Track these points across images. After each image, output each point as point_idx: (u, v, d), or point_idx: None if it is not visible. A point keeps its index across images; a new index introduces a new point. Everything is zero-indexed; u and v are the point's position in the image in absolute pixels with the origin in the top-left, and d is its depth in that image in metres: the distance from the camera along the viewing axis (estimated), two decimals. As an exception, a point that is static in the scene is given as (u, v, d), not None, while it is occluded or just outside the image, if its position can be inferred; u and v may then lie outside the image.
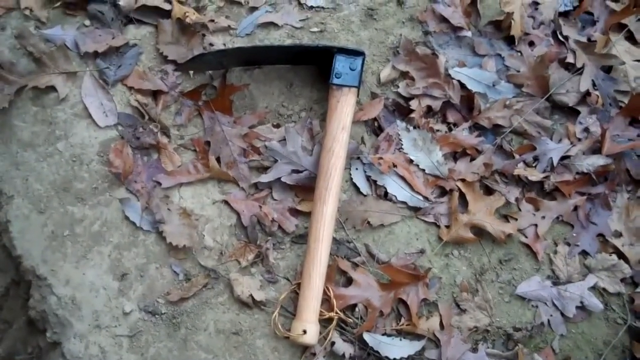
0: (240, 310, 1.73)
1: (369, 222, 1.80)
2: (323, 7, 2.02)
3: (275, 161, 1.84)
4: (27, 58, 1.91)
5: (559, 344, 1.73)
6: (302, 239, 1.80)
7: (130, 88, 1.91)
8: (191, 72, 1.93)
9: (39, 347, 1.84)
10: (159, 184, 1.82)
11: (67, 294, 1.72)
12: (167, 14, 1.96)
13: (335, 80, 1.74)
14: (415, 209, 1.82)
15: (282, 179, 1.81)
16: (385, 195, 1.83)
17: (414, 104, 1.90)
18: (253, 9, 2.02)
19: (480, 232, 1.79)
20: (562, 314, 1.74)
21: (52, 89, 1.89)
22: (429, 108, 1.90)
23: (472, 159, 1.85)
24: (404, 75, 1.95)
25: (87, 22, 1.98)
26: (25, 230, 1.78)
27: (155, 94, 1.92)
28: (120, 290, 1.73)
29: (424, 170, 1.84)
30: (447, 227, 1.80)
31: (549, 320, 1.74)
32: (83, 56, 1.92)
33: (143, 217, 1.80)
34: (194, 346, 1.70)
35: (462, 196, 1.81)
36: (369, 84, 1.93)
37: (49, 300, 1.72)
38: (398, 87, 1.93)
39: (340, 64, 1.76)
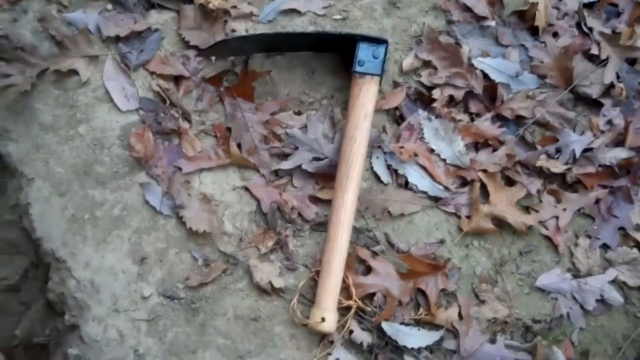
0: (259, 296, 1.73)
1: (389, 211, 1.79)
2: (346, -5, 1.98)
3: (296, 148, 1.83)
4: (49, 41, 1.89)
5: (578, 336, 1.73)
6: (321, 226, 1.79)
7: (152, 73, 1.90)
8: (213, 57, 1.92)
9: (57, 329, 1.85)
10: (180, 169, 1.81)
11: (86, 277, 1.72)
12: (189, 0, 1.94)
13: (358, 69, 1.73)
14: (436, 199, 1.82)
15: (303, 167, 1.81)
16: (406, 185, 1.82)
17: (436, 93, 1.89)
18: (275, -5, 1.99)
19: (500, 223, 1.79)
20: (582, 307, 1.74)
21: (74, 72, 1.88)
22: (451, 98, 1.89)
23: (494, 150, 1.84)
24: (427, 64, 1.93)
25: (110, 7, 1.97)
26: (46, 212, 1.78)
27: (177, 79, 1.91)
28: (140, 274, 1.74)
29: (445, 160, 1.83)
30: (468, 217, 1.79)
31: (568, 313, 1.73)
32: (105, 40, 1.92)
33: (163, 201, 1.80)
34: (212, 331, 1.70)
35: (483, 187, 1.81)
36: (391, 73, 1.92)
37: (68, 283, 1.72)
38: (420, 76, 1.92)
39: (363, 52, 1.74)
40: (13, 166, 1.82)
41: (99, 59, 1.90)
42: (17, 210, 1.89)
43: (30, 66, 1.84)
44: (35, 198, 1.79)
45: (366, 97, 1.73)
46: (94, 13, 1.94)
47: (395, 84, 1.91)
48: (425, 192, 1.81)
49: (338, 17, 1.97)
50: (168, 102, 1.87)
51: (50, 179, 1.80)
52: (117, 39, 1.91)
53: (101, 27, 1.91)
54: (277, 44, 1.90)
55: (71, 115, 1.85)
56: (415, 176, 1.81)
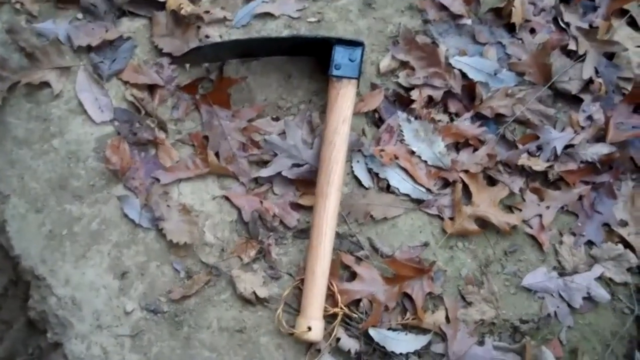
0: (244, 307, 1.71)
1: (371, 216, 1.77)
2: (320, -3, 1.95)
3: (275, 155, 1.81)
4: (19, 53, 1.86)
5: (566, 335, 1.72)
6: (304, 233, 1.76)
7: (126, 82, 1.87)
8: (187, 65, 1.89)
9: (40, 348, 1.82)
10: (158, 180, 1.78)
11: (67, 294, 1.69)
12: (161, 6, 1.92)
13: (335, 72, 1.71)
14: (418, 202, 1.80)
15: (283, 173, 1.78)
16: (388, 188, 1.80)
17: (414, 94, 1.86)
18: (249, -1, 1.95)
19: (484, 223, 1.77)
20: (569, 305, 1.73)
21: (46, 84, 1.85)
22: (430, 98, 1.87)
23: (475, 150, 1.82)
24: (404, 65, 1.91)
25: (80, 16, 1.93)
26: (23, 229, 1.75)
27: (151, 88, 1.88)
28: (121, 289, 1.71)
29: (426, 161, 1.81)
30: (451, 219, 1.78)
31: (555, 312, 1.72)
32: (76, 50, 1.88)
33: (142, 214, 1.76)
34: (197, 344, 1.67)
35: (465, 187, 1.79)
36: (368, 75, 1.90)
37: (48, 300, 1.69)
38: (398, 77, 1.90)
39: (340, 55, 1.72)
40: (-14, 184, 1.76)
41: (71, 69, 1.86)
42: (-7, 227, 1.83)
43: (1, 80, 1.80)
44: (12, 215, 1.76)
45: (344, 100, 1.71)
46: (64, 23, 1.91)
47: (373, 86, 1.88)
48: (407, 195, 1.79)
49: (313, 19, 1.95)
50: (143, 111, 1.84)
51: (26, 195, 1.77)
52: (89, 48, 1.88)
53: (72, 37, 1.88)
54: (252, 49, 1.87)
55: (45, 129, 1.82)
56: (397, 179, 1.79)
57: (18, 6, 1.92)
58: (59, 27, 1.90)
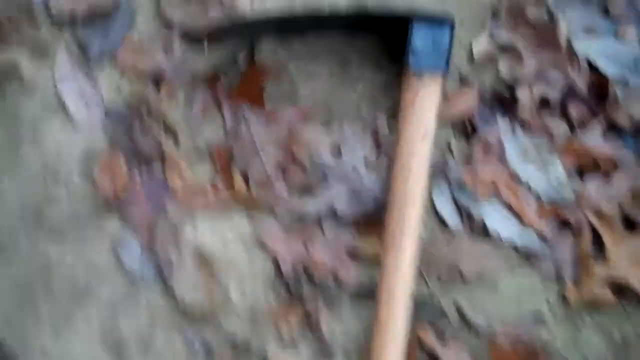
0: (282, 401, 1.31)
1: (460, 272, 1.34)
2: (392, -48, 1.45)
3: (326, 180, 1.37)
4: None
5: None
6: (366, 293, 1.34)
7: (122, 71, 1.44)
8: (205, 44, 1.44)
9: None
10: (165, 211, 1.39)
11: (42, 375, 1.31)
12: (170, -41, 1.43)
13: (413, 63, 1.22)
14: (527, 252, 1.34)
15: (336, 207, 1.36)
16: (484, 231, 1.35)
17: (521, 93, 1.39)
18: (290, -53, 1.46)
19: (623, 290, 1.32)
20: None
21: (13, 69, 1.43)
22: (544, 99, 1.39)
23: (608, 177, 1.36)
24: (507, 50, 1.41)
25: None
26: None
27: (157, 77, 1.44)
28: (116, 368, 1.32)
29: (537, 192, 1.36)
30: (575, 281, 1.33)
31: None
32: (55, 20, 1.45)
33: (143, 260, 1.38)
34: None
35: (595, 234, 1.34)
36: (456, 64, 1.40)
37: (18, 383, 1.32)
38: (499, 68, 1.41)
39: (420, 38, 1.22)
40: None
41: (48, 48, 1.44)
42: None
43: None
44: None
45: (425, 105, 1.24)
46: None
47: (463, 81, 1.40)
48: (511, 242, 1.34)
49: (380, -18, 1.42)
50: (145, 110, 1.42)
51: None
52: (73, 18, 1.44)
53: (50, 2, 1.44)
54: (295, 26, 1.41)
55: (11, 135, 1.42)
56: (497, 218, 1.35)
57: (-27, -45, 1.47)
58: (32, -13, 1.45)
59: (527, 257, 1.35)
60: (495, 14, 1.42)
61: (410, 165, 1.24)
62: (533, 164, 1.36)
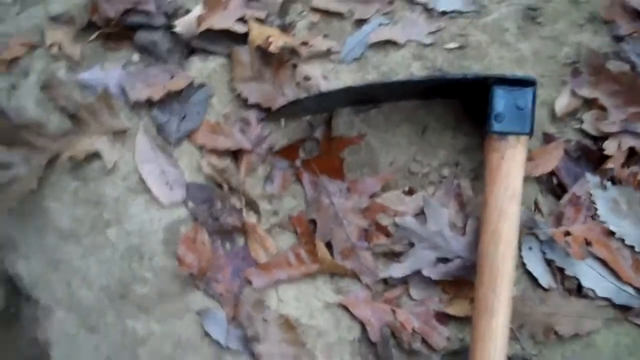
0: None
1: (555, 331, 1.26)
2: (461, 12, 1.45)
3: (412, 245, 1.32)
4: (60, 114, 1.47)
5: None
6: (456, 356, 1.27)
7: (201, 147, 1.44)
8: (282, 120, 1.43)
9: None
10: (249, 282, 1.36)
11: None
12: (242, 39, 1.45)
13: (496, 127, 1.18)
14: (625, 309, 1.26)
15: (423, 272, 1.30)
16: (579, 290, 1.27)
17: (609, 146, 1.32)
18: (360, 22, 1.47)
19: None
20: None
21: (96, 155, 1.44)
22: (633, 151, 1.32)
23: None
24: (591, 104, 1.36)
25: (136, 57, 1.51)
26: (72, 355, 1.38)
27: (236, 154, 1.43)
28: None
29: (632, 247, 1.27)
30: None
31: None
32: (133, 106, 1.46)
33: (230, 332, 1.35)
34: None
35: None
36: (538, 121, 1.33)
37: None
38: (582, 122, 1.36)
39: (501, 100, 1.19)
40: (25, 292, 1.42)
41: (128, 133, 1.45)
42: (36, 346, 1.46)
43: (37, 152, 1.42)
44: (57, 335, 1.40)
45: (511, 167, 1.18)
46: (115, 69, 1.49)
47: (547, 137, 1.35)
48: (608, 299, 1.26)
49: (453, 45, 1.42)
50: (226, 187, 1.41)
51: (75, 308, 1.40)
52: (150, 102, 1.45)
53: (126, 88, 1.46)
54: (372, 96, 1.37)
55: (96, 216, 1.42)
56: (591, 276, 1.27)
57: (55, 50, 1.52)
58: (109, 76, 1.48)
59: (624, 312, 1.27)
60: (575, 70, 1.38)
61: (500, 228, 1.18)
62: (626, 219, 1.29)
